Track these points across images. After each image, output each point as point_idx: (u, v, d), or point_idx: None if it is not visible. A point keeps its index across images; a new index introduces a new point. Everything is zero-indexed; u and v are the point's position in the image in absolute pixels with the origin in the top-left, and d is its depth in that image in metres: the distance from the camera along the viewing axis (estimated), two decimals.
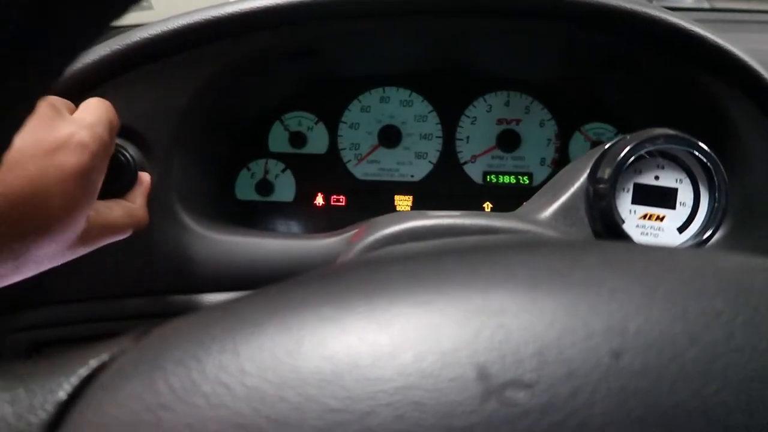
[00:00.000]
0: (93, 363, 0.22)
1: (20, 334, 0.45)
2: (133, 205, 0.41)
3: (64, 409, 0.20)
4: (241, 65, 0.47)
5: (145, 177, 0.43)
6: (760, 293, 0.19)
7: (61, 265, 0.44)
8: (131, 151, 0.43)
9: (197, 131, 0.48)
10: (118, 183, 0.40)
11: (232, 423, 0.17)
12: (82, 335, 0.46)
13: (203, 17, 0.42)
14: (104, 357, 0.22)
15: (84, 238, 0.35)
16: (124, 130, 0.44)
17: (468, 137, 0.62)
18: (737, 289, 0.19)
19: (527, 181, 0.62)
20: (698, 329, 0.18)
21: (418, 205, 0.61)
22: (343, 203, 0.62)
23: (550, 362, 0.17)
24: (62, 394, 0.21)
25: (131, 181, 0.41)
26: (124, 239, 0.45)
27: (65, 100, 0.37)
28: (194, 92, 0.45)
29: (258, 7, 0.42)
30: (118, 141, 0.44)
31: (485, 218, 0.34)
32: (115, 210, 0.39)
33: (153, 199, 0.46)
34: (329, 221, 0.61)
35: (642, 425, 0.17)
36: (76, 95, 0.42)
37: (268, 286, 0.22)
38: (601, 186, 0.33)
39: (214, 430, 0.17)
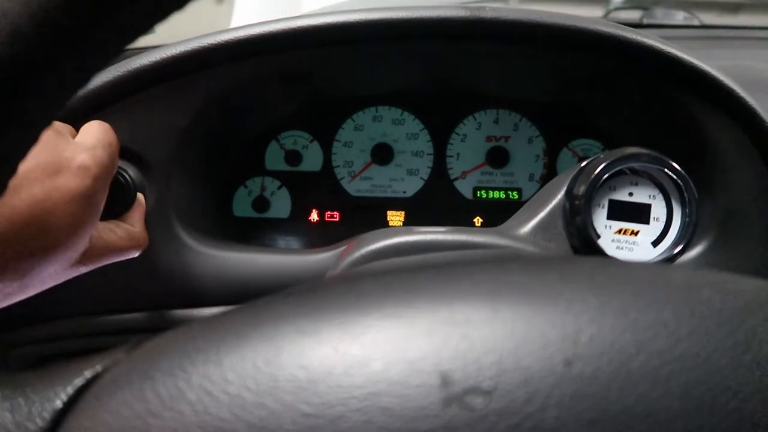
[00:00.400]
0: (87, 374, 0.23)
1: (25, 348, 0.46)
2: (133, 228, 0.42)
3: (60, 416, 0.22)
4: (237, 88, 0.49)
5: (141, 199, 0.45)
6: (705, 304, 0.21)
7: (65, 282, 0.46)
8: (131, 172, 0.45)
9: (195, 152, 0.50)
10: (118, 204, 0.42)
11: (215, 428, 0.19)
12: (85, 348, 0.48)
13: (201, 44, 0.44)
14: (98, 368, 0.23)
15: (86, 258, 0.37)
16: (124, 151, 0.46)
17: (458, 154, 0.64)
18: (684, 301, 0.21)
19: (516, 197, 0.63)
20: (646, 338, 0.19)
21: (410, 220, 0.63)
22: (338, 219, 0.63)
23: (508, 370, 0.19)
24: (58, 403, 0.22)
25: (131, 202, 0.43)
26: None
27: (67, 125, 0.38)
28: (193, 114, 0.47)
29: (253, 35, 0.44)
30: (119, 162, 0.46)
31: (467, 234, 0.35)
32: (117, 232, 0.40)
33: (152, 218, 0.47)
34: (324, 236, 0.62)
35: (592, 428, 0.18)
36: (78, 119, 0.44)
37: (252, 300, 0.23)
38: (577, 202, 0.35)
39: None
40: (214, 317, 0.23)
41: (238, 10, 1.19)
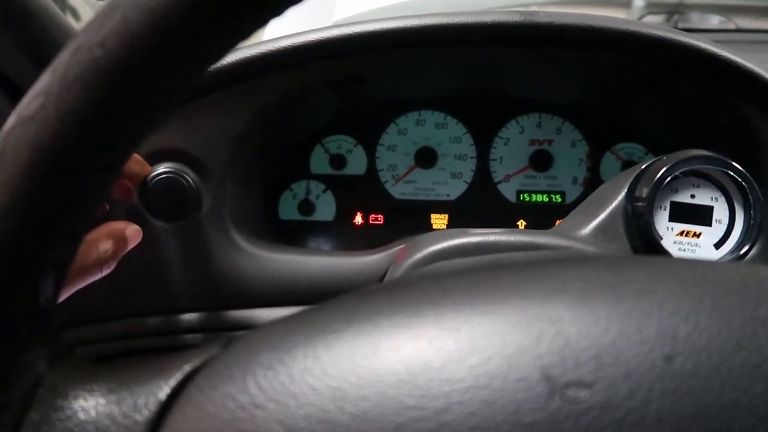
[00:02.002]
0: (187, 368, 0.24)
1: (88, 348, 0.48)
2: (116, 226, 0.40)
3: (165, 408, 0.22)
4: (290, 94, 0.50)
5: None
6: None
7: (125, 282, 0.47)
8: (191, 176, 0.46)
9: (248, 156, 0.51)
10: (180, 207, 0.43)
11: (319, 419, 0.19)
12: (146, 347, 0.49)
13: (257, 52, 0.45)
14: (197, 362, 0.24)
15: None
16: (184, 155, 0.47)
17: (501, 157, 0.64)
18: None
19: (560, 200, 0.64)
20: (744, 335, 0.20)
21: (453, 223, 0.64)
22: (381, 222, 0.64)
23: (608, 364, 0.19)
24: (162, 395, 0.23)
25: (192, 204, 0.44)
26: (184, 258, 0.48)
27: None
28: (248, 120, 0.48)
29: (309, 41, 0.45)
30: (179, 166, 0.47)
31: (528, 235, 0.36)
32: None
33: (208, 221, 0.49)
34: (368, 239, 0.63)
35: (695, 422, 0.18)
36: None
37: (339, 296, 0.24)
38: (640, 204, 0.35)
39: (302, 426, 0.19)
40: (307, 312, 0.24)
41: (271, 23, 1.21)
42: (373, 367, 0.20)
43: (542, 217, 0.62)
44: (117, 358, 0.48)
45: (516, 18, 0.45)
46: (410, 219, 0.64)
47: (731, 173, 0.35)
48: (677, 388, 0.19)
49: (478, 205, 0.64)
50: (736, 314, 0.20)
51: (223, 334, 0.27)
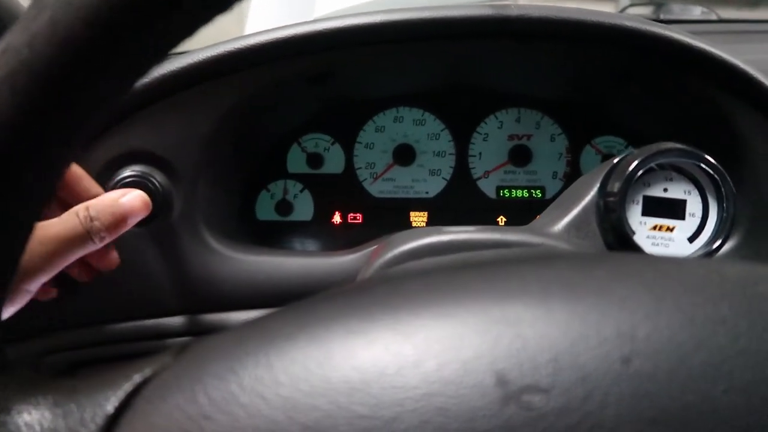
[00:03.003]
0: (137, 378, 0.23)
1: (57, 356, 0.47)
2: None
3: (113, 421, 0.22)
4: (261, 92, 0.49)
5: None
6: (763, 299, 0.20)
7: (95, 287, 0.46)
8: (159, 178, 0.45)
9: (220, 156, 0.50)
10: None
11: (269, 430, 0.18)
12: (115, 355, 0.48)
13: (226, 50, 0.45)
14: (147, 372, 0.23)
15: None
16: (151, 157, 0.46)
17: (480, 153, 0.63)
18: (741, 296, 0.20)
19: (540, 195, 0.63)
20: (704, 334, 0.19)
21: (433, 221, 0.63)
22: (360, 221, 0.63)
23: (565, 368, 0.19)
24: (110, 408, 0.22)
25: (161, 208, 0.43)
26: (155, 262, 0.47)
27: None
28: (218, 119, 0.47)
29: (277, 38, 0.44)
30: (146, 169, 0.46)
31: (499, 232, 0.35)
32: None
33: (179, 223, 0.48)
34: (347, 238, 0.62)
35: (653, 426, 0.18)
36: (105, 126, 0.45)
37: (296, 302, 0.23)
38: (611, 199, 0.35)
39: None
40: (259, 319, 0.23)
41: (252, 15, 1.20)
42: (325, 374, 0.19)
43: (522, 213, 0.62)
44: (84, 367, 0.47)
45: (487, 12, 0.44)
46: (389, 217, 0.63)
47: (704, 166, 0.34)
48: (635, 390, 0.18)
49: (458, 202, 0.63)
50: (696, 313, 0.20)
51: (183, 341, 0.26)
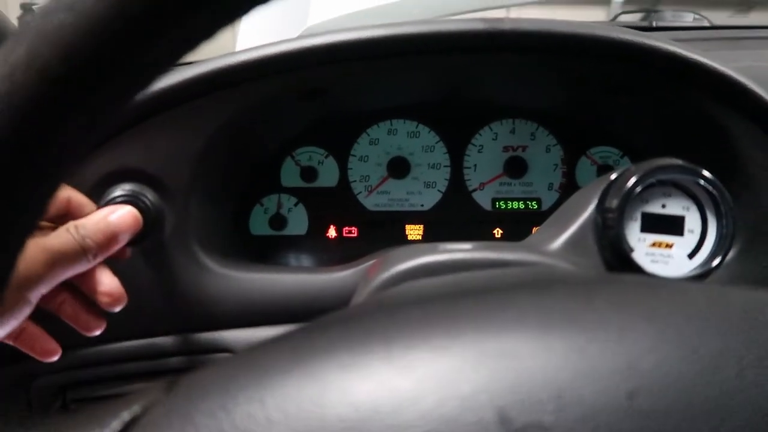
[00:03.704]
0: (126, 416, 0.23)
1: (47, 378, 0.46)
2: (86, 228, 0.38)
3: None
4: (253, 108, 0.48)
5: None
6: None
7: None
8: (150, 196, 0.44)
9: (213, 172, 0.50)
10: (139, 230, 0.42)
11: None
12: (107, 376, 0.47)
13: (216, 66, 0.44)
14: (136, 409, 0.23)
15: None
16: (143, 175, 0.46)
17: (475, 165, 0.63)
18: (747, 326, 0.20)
19: (536, 206, 0.63)
20: (710, 367, 0.19)
21: (428, 234, 0.62)
22: (356, 234, 0.63)
23: (569, 404, 0.18)
24: None
25: (152, 226, 0.42)
26: (148, 282, 0.47)
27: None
28: (209, 136, 0.46)
29: (268, 55, 0.44)
30: (137, 187, 0.45)
31: (497, 251, 0.35)
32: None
33: (172, 241, 0.47)
34: (342, 252, 0.61)
35: None
36: (95, 145, 0.44)
37: (290, 331, 0.23)
38: (610, 215, 0.34)
39: None
40: (252, 350, 0.22)
41: (244, 27, 1.19)
42: (320, 412, 0.19)
43: (518, 225, 0.61)
44: (75, 388, 0.46)
45: (480, 26, 0.43)
46: (385, 231, 0.62)
47: (702, 182, 0.34)
48: (641, 427, 0.18)
49: (453, 215, 0.62)
50: (701, 344, 0.19)
51: (168, 377, 0.26)
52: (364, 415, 0.18)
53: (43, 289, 0.35)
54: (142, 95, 0.44)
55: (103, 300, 0.39)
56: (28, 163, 0.18)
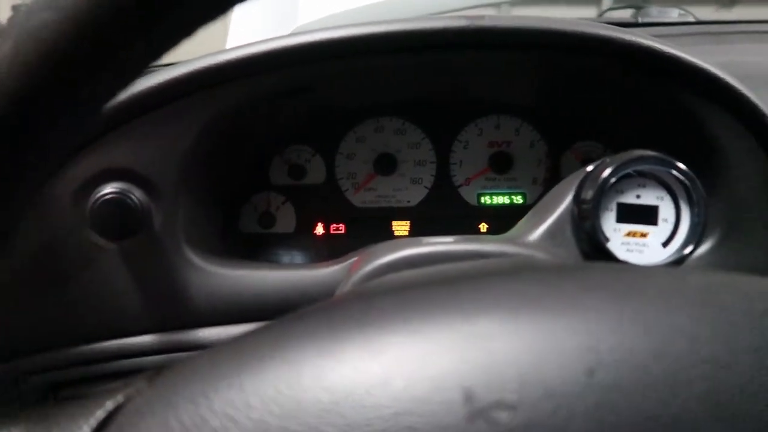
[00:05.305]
0: (109, 405, 0.23)
1: (36, 377, 0.46)
2: None
3: None
4: (240, 106, 0.49)
5: None
6: (725, 308, 0.21)
7: (72, 307, 0.46)
8: (138, 195, 0.45)
9: (201, 171, 0.50)
10: (125, 227, 0.42)
11: None
12: (97, 374, 0.48)
13: (204, 65, 0.45)
14: (120, 398, 0.23)
15: None
16: (130, 174, 0.46)
17: (461, 161, 0.64)
18: (703, 306, 0.21)
19: (521, 201, 0.64)
20: (665, 344, 0.19)
21: (415, 230, 0.63)
22: (343, 231, 0.63)
23: (531, 383, 0.19)
24: None
25: (140, 223, 0.43)
26: (136, 280, 0.47)
27: None
28: (197, 135, 0.47)
29: (256, 53, 0.44)
30: (125, 186, 0.46)
31: (476, 243, 0.36)
32: None
33: (160, 240, 0.48)
34: (330, 249, 0.62)
35: None
36: (80, 144, 0.45)
37: (269, 322, 0.24)
38: (585, 207, 0.35)
39: None
40: (232, 340, 0.23)
41: (234, 23, 1.20)
42: (296, 396, 0.20)
43: (504, 219, 0.62)
44: (65, 388, 0.47)
45: (462, 23, 0.44)
46: (372, 227, 0.63)
47: (675, 172, 0.35)
48: (599, 402, 0.19)
49: (440, 210, 0.63)
50: (657, 323, 0.20)
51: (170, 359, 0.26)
52: (338, 398, 0.19)
53: None
54: (129, 94, 0.45)
55: None
56: (12, 154, 0.19)
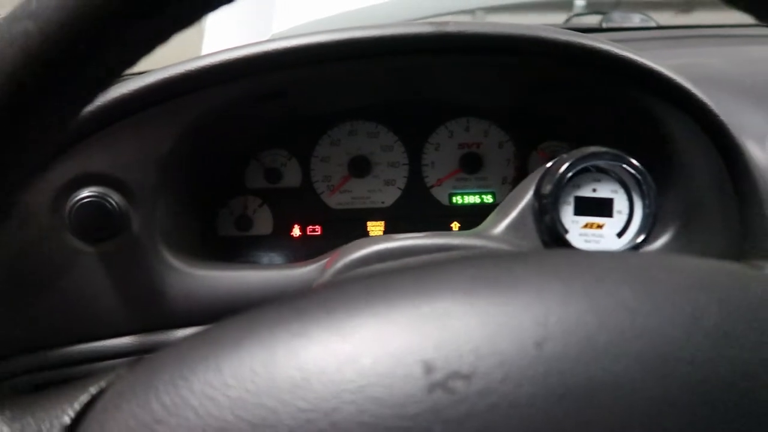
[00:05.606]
0: (92, 390, 0.24)
1: (17, 379, 0.47)
2: None
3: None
4: (216, 111, 0.50)
5: None
6: (659, 283, 0.23)
7: (52, 310, 0.47)
8: (116, 199, 0.46)
9: (178, 175, 0.51)
10: (103, 231, 0.43)
11: (218, 429, 0.20)
12: (77, 376, 0.48)
13: (180, 71, 0.46)
14: (102, 384, 0.25)
15: None
16: (108, 179, 0.47)
17: (433, 162, 0.66)
18: (640, 282, 0.23)
19: (491, 200, 0.66)
20: (607, 317, 0.21)
21: (389, 230, 0.65)
22: (319, 232, 0.65)
23: (484, 355, 0.21)
24: (66, 419, 0.23)
25: (118, 226, 0.44)
26: (114, 282, 0.48)
27: None
28: (175, 139, 0.48)
29: (231, 59, 0.46)
30: (103, 190, 0.47)
31: (444, 238, 0.37)
32: None
33: (138, 243, 0.48)
34: (307, 250, 0.64)
35: (563, 400, 0.20)
36: (58, 149, 0.45)
37: (243, 311, 0.25)
38: (545, 201, 0.37)
39: None
40: (209, 329, 0.25)
41: (209, 32, 1.21)
42: (270, 374, 0.21)
43: (475, 218, 0.64)
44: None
45: (428, 29, 0.46)
46: (347, 228, 0.65)
47: (627, 167, 0.37)
48: (546, 371, 0.20)
49: (413, 210, 0.65)
50: (601, 299, 0.22)
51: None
52: (309, 375, 0.21)
53: None
54: (106, 100, 0.46)
55: None
56: None
